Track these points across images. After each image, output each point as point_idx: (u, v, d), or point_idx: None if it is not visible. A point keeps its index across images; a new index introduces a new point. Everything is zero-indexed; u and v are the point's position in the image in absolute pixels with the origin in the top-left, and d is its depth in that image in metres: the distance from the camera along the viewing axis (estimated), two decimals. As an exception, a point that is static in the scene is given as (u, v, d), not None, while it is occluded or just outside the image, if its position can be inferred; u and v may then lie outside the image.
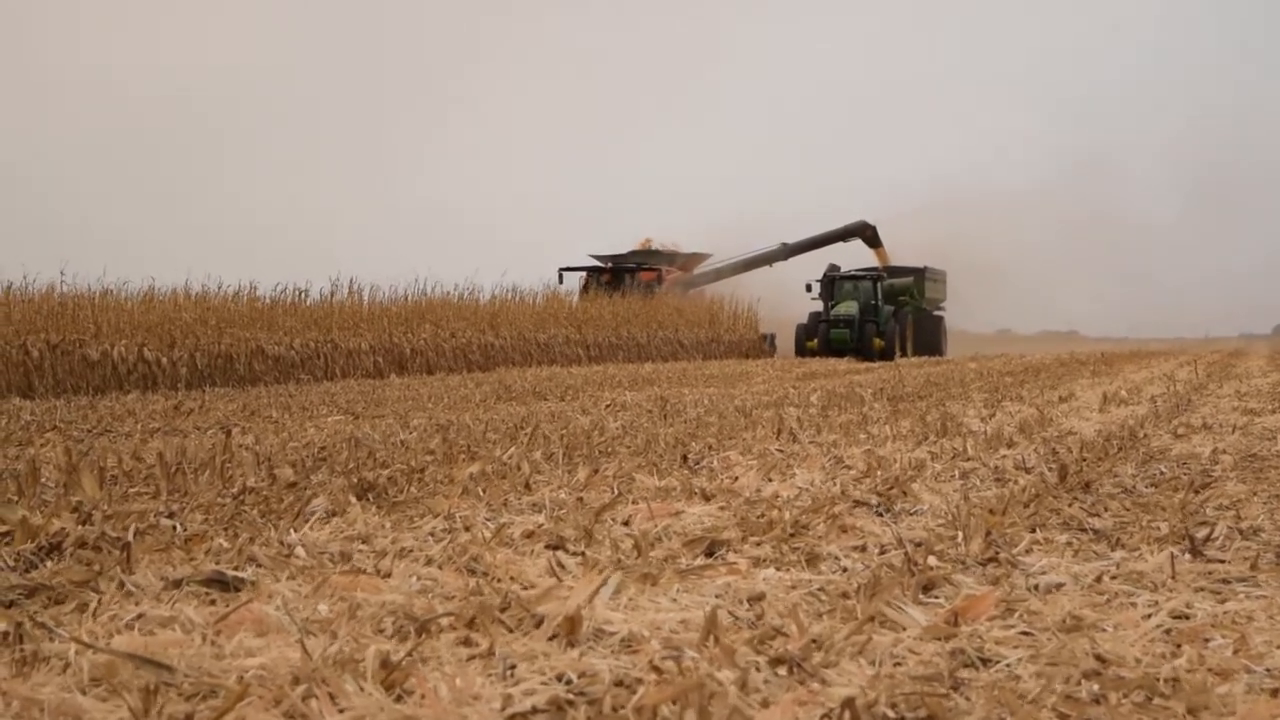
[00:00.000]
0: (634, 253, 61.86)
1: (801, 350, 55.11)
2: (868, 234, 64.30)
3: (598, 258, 60.63)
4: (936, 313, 61.56)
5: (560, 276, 54.56)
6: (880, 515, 7.91)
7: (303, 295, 36.87)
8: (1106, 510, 8.05)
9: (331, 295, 37.98)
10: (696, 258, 63.07)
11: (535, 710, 4.07)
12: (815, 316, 56.29)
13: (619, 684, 4.28)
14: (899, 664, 4.62)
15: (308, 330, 35.40)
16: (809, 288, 57.08)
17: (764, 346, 57.67)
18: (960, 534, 6.86)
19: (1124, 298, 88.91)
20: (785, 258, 63.05)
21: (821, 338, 54.89)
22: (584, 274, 57.49)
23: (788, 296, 58.23)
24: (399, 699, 4.17)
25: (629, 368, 39.81)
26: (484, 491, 8.60)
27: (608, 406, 19.41)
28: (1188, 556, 6.54)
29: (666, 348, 51.58)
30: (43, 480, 8.72)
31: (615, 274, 57.95)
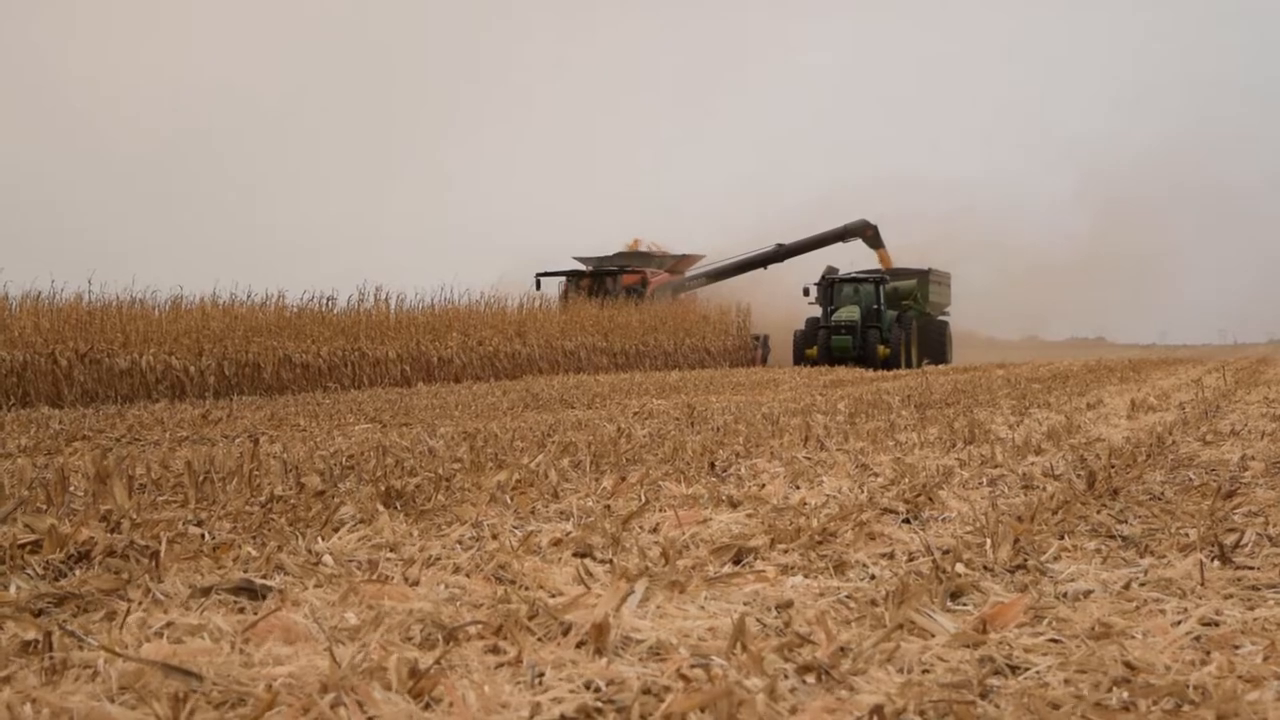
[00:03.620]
0: (619, 255, 58.76)
1: (800, 359, 51.49)
2: (868, 233, 60.75)
3: (581, 260, 57.66)
4: (941, 318, 58.36)
5: (537, 282, 51.40)
6: (908, 523, 7.89)
7: (330, 304, 36.95)
8: (1135, 517, 8.02)
9: (359, 304, 38.07)
10: (688, 259, 60.03)
11: (564, 718, 4.07)
12: (813, 322, 52.53)
13: (647, 692, 4.28)
14: (927, 671, 4.61)
15: (335, 339, 35.50)
16: (806, 292, 53.24)
17: (754, 351, 54.82)
18: (988, 541, 6.85)
19: (1152, 303, 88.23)
20: (781, 259, 59.87)
21: (821, 345, 51.25)
22: (563, 279, 54.42)
23: (781, 300, 55.21)
24: (427, 707, 4.18)
25: (656, 375, 39.82)
26: (511, 499, 8.60)
27: (635, 414, 19.41)
28: (1216, 563, 6.52)
29: (694, 355, 51.41)
30: (71, 489, 8.75)
31: (596, 278, 54.69)
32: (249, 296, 34.80)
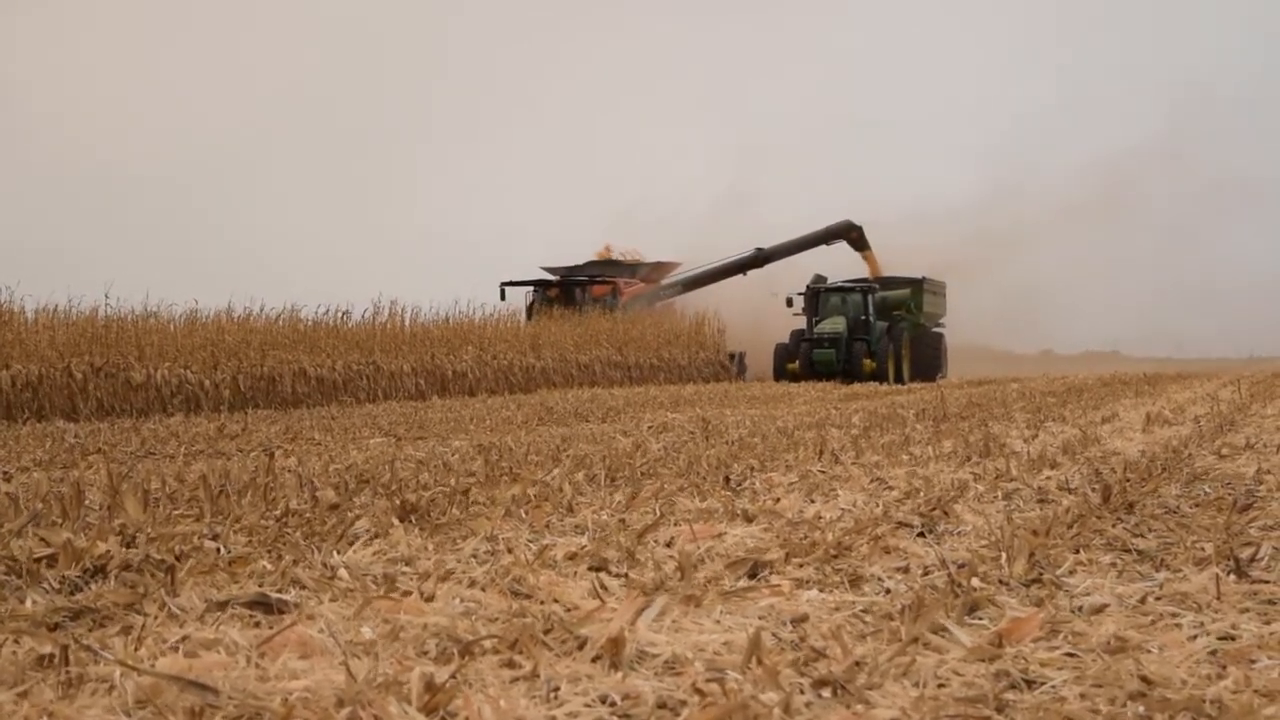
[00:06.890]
0: (590, 264, 55.71)
1: (781, 373, 48.37)
2: (853, 235, 57.41)
3: (549, 270, 54.51)
4: (935, 329, 54.50)
5: (502, 293, 48.59)
6: (923, 536, 7.89)
7: (345, 317, 37.02)
8: (1150, 531, 8.01)
9: (374, 317, 38.13)
10: (663, 267, 56.94)
11: (579, 732, 4.08)
12: (797, 335, 49.42)
13: (662, 706, 4.28)
14: (943, 685, 4.60)
15: (350, 352, 35.56)
16: (789, 302, 49.88)
17: (729, 367, 52.21)
18: (1004, 555, 6.84)
19: (1167, 315, 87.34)
20: (761, 264, 56.76)
21: (803, 358, 48.30)
22: (529, 290, 51.73)
23: (764, 310, 51.99)
24: (443, 721, 4.18)
25: (670, 389, 39.79)
26: (526, 513, 8.60)
27: (649, 428, 19.41)
28: (1233, 577, 6.50)
29: (707, 369, 51.26)
30: (87, 503, 8.76)
31: (564, 288, 52.09)
32: (263, 310, 34.89)
